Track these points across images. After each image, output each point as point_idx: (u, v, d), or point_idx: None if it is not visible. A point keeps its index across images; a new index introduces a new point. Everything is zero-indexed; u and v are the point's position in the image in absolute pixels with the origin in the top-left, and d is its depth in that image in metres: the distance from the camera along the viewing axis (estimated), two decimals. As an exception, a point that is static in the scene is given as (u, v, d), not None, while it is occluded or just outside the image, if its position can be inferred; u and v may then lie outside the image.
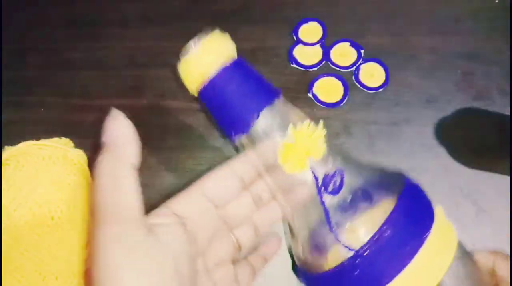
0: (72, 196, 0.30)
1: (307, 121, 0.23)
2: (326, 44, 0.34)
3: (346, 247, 0.22)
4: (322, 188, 0.23)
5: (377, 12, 0.35)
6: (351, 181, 0.23)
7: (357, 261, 0.21)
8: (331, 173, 0.23)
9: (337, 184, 0.23)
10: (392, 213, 0.22)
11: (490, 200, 0.29)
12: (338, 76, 0.33)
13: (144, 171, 0.32)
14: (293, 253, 0.26)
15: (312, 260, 0.24)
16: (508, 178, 0.29)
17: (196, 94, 0.24)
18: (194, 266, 0.24)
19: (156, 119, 0.33)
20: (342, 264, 0.21)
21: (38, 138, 0.31)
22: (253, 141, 0.24)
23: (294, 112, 0.25)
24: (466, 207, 0.29)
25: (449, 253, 0.21)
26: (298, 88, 0.33)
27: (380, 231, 0.21)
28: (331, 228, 0.22)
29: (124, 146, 0.22)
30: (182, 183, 0.31)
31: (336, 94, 0.33)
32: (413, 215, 0.22)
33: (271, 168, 0.25)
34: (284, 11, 0.36)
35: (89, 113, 0.33)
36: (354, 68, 0.33)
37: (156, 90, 0.34)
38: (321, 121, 0.23)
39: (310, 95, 0.33)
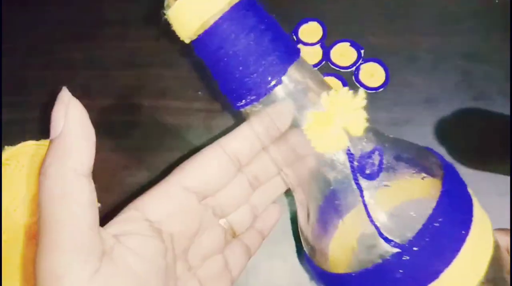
0: (72, 196, 0.30)
1: (345, 87, 0.19)
2: (326, 44, 0.34)
3: (389, 241, 0.18)
4: (357, 172, 0.18)
5: (377, 12, 0.35)
6: (387, 160, 0.19)
7: (404, 258, 0.17)
8: (367, 152, 0.19)
9: (376, 166, 0.19)
10: (440, 200, 0.18)
11: (490, 200, 0.29)
12: (338, 76, 0.33)
13: (144, 171, 0.32)
14: (305, 246, 0.23)
15: (326, 252, 0.20)
16: (508, 178, 0.29)
17: (188, 41, 0.19)
18: (172, 275, 0.21)
19: (156, 119, 0.33)
20: (385, 262, 0.18)
21: (38, 139, 0.31)
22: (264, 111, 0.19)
23: (318, 78, 0.20)
24: (466, 207, 0.29)
25: (490, 237, 0.19)
26: (298, 88, 0.33)
27: (430, 221, 0.18)
28: (372, 222, 0.18)
29: (74, 146, 0.18)
30: (182, 183, 0.31)
31: (336, 94, 0.33)
32: (458, 201, 0.19)
33: (278, 139, 0.21)
34: (284, 11, 0.36)
35: (89, 113, 0.33)
36: (354, 68, 0.33)
37: (156, 90, 0.34)
38: (362, 89, 0.19)
39: (310, 95, 0.33)
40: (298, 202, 0.23)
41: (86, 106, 0.34)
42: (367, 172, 0.18)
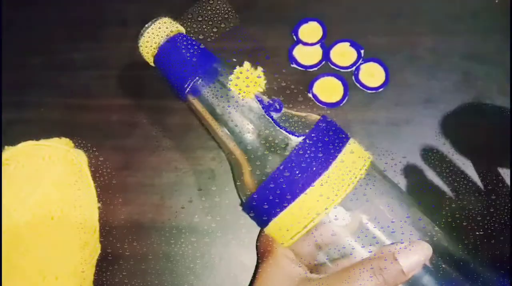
0: (72, 196, 0.30)
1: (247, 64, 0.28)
2: (326, 44, 0.34)
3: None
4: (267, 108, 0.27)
5: (377, 12, 0.35)
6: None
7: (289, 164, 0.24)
8: (272, 100, 0.28)
9: (278, 106, 0.28)
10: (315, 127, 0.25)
11: (490, 199, 0.29)
12: (338, 76, 0.33)
13: (144, 170, 0.32)
14: (239, 190, 0.28)
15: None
16: (508, 176, 0.29)
17: (152, 63, 0.29)
18: None
19: (156, 119, 0.33)
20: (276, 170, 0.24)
21: (38, 139, 0.31)
22: (199, 105, 0.28)
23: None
24: (466, 207, 0.29)
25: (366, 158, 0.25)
26: (298, 88, 0.33)
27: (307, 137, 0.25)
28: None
29: None
30: (182, 183, 0.31)
31: (336, 94, 0.33)
32: (330, 135, 0.26)
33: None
34: (284, 11, 0.36)
35: (89, 113, 0.33)
36: (354, 68, 0.33)
37: (156, 90, 0.34)
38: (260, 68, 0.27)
39: (310, 95, 0.33)
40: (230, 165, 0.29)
41: (86, 106, 0.35)
42: (273, 108, 0.27)
